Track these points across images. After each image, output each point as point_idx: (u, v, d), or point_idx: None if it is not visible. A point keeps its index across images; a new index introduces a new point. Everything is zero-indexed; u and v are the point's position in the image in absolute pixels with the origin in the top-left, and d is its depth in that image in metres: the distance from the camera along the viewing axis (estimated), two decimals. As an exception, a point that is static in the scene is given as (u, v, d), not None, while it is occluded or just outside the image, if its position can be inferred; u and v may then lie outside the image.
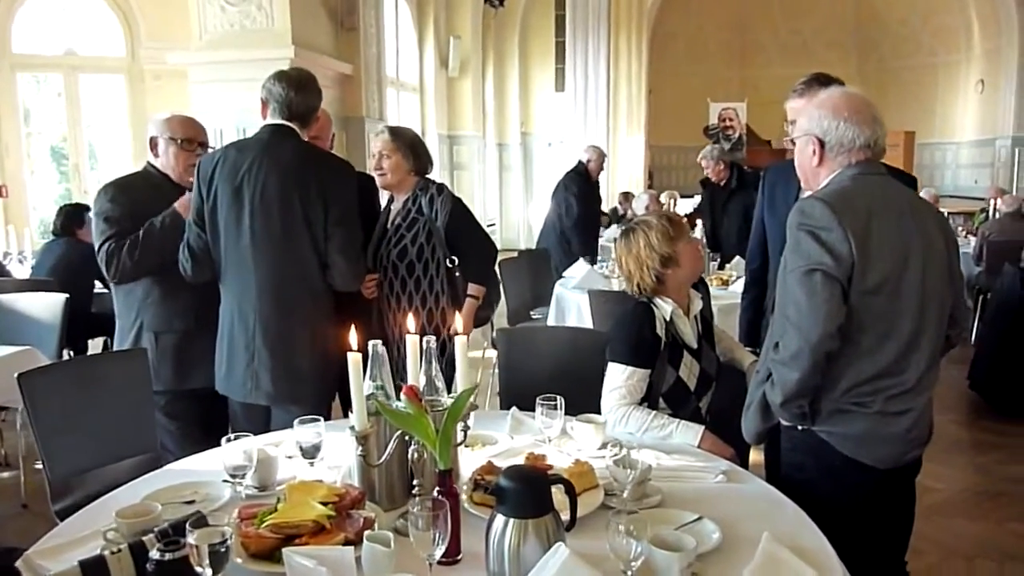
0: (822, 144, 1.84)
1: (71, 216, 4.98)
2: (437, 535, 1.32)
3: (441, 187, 3.10)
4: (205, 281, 2.62)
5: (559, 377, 2.68)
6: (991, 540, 3.25)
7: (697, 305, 2.34)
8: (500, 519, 1.39)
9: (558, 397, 1.98)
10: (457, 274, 3.08)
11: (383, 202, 3.25)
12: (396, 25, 9.84)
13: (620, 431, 2.15)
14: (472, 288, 3.09)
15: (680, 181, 14.23)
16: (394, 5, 9.70)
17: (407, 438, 1.60)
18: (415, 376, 1.61)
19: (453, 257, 3.06)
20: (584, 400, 2.20)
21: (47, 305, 4.12)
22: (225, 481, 1.81)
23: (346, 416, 2.68)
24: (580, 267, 5.16)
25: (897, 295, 1.74)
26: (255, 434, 2.47)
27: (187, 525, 1.26)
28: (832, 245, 1.69)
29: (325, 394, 2.69)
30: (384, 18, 8.59)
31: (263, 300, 2.54)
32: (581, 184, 6.23)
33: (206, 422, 2.91)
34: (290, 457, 1.94)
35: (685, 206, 9.09)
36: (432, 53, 10.94)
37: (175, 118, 2.85)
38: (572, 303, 4.70)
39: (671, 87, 14.25)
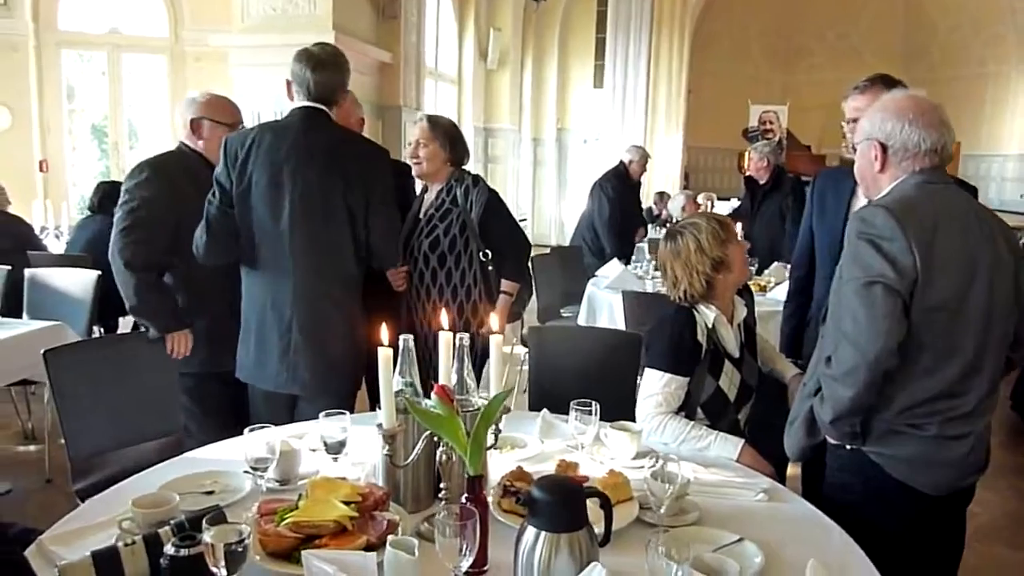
0: (884, 149, 1.73)
1: (108, 193, 4.98)
2: (465, 546, 1.24)
3: (477, 178, 3.03)
4: (217, 264, 2.55)
5: (590, 378, 2.61)
6: (1036, 571, 3.11)
7: (741, 312, 2.24)
8: (531, 531, 1.31)
9: (593, 403, 1.90)
10: (490, 268, 3.01)
11: (417, 191, 3.18)
12: (437, 15, 9.78)
13: (655, 440, 2.06)
14: (505, 284, 3.02)
15: (716, 183, 14.04)
16: (436, -5, 9.66)
17: (436, 439, 1.53)
18: (447, 375, 1.54)
19: (487, 251, 2.99)
20: (614, 404, 2.10)
21: (79, 281, 4.14)
22: (246, 472, 1.76)
23: (372, 408, 2.64)
24: (614, 267, 5.07)
25: (962, 312, 1.63)
26: (276, 424, 2.44)
27: (204, 522, 1.20)
28: (894, 256, 1.58)
29: (354, 385, 2.64)
30: (425, 8, 8.54)
31: (301, 290, 2.48)
32: (618, 184, 6.10)
33: (232, 406, 2.88)
34: (314, 450, 1.89)
35: (722, 209, 8.92)
36: (472, 45, 10.87)
37: (219, 101, 2.81)
38: (604, 303, 4.61)
39: (711, 87, 14.01)
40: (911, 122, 1.69)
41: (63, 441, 2.42)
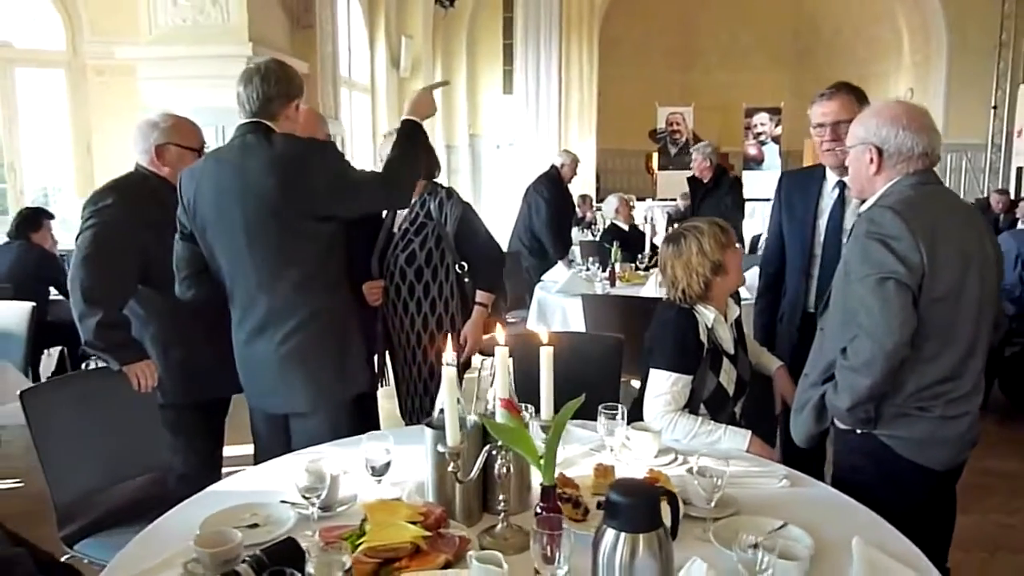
0: (880, 153, 1.87)
1: (29, 219, 4.72)
2: (559, 554, 1.28)
3: (450, 191, 3.04)
4: (198, 300, 2.48)
5: (575, 382, 2.63)
6: (980, 531, 3.38)
7: (734, 312, 2.36)
8: (611, 534, 1.35)
9: (619, 405, 1.96)
10: (466, 280, 3.03)
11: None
12: (348, 23, 9.65)
13: (668, 438, 2.14)
14: (481, 296, 3.03)
15: (625, 184, 14.39)
16: (346, 4, 9.52)
17: (493, 452, 1.55)
18: (506, 389, 1.56)
19: (463, 263, 3.01)
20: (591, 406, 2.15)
21: (11, 314, 3.88)
22: (283, 502, 1.73)
23: (358, 428, 2.59)
24: (560, 271, 5.16)
25: (959, 302, 1.78)
26: (275, 445, 2.38)
27: (309, 553, 1.18)
28: (904, 254, 1.72)
29: (350, 402, 2.59)
30: (338, 16, 8.42)
31: (277, 315, 2.40)
32: (552, 187, 6.25)
33: (209, 435, 2.81)
34: (345, 473, 1.87)
35: (642, 209, 9.21)
36: (383, 53, 10.78)
37: (184, 125, 2.72)
38: (556, 307, 4.69)
39: (617, 90, 14.37)
40: (904, 127, 1.83)
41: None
